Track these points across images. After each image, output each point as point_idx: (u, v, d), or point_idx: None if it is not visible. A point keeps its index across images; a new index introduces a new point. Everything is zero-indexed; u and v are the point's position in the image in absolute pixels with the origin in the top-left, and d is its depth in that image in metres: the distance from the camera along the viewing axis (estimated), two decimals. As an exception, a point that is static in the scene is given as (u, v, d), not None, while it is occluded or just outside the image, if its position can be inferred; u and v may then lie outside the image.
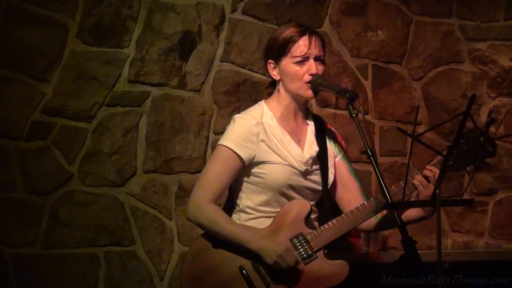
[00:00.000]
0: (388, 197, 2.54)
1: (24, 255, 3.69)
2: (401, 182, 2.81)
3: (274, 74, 2.86)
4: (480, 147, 2.75)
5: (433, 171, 2.79)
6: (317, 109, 4.24)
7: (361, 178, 3.08)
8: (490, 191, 4.60)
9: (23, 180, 3.71)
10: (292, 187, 2.82)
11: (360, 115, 2.62)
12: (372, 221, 2.88)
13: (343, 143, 3.02)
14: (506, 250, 4.43)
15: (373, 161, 2.58)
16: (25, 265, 3.69)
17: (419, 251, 2.52)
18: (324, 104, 4.32)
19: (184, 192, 3.95)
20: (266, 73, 2.92)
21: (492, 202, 4.61)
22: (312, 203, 2.86)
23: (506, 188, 4.60)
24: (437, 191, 2.51)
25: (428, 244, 4.35)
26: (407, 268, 2.53)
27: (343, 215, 2.82)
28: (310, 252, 2.76)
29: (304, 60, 2.79)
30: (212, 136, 4.03)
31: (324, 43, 2.87)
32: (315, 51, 2.80)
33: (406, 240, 2.51)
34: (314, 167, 2.86)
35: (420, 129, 4.39)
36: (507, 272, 3.87)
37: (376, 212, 2.82)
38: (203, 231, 2.84)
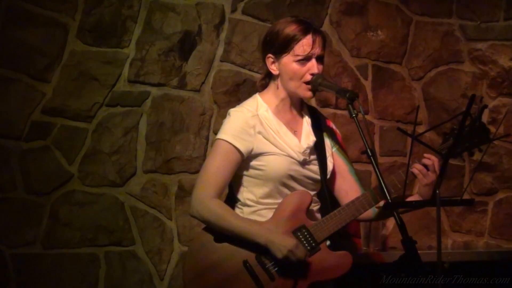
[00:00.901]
0: (388, 197, 2.54)
1: (24, 255, 3.69)
2: (400, 171, 2.83)
3: (273, 69, 2.83)
4: (474, 133, 2.76)
5: (431, 159, 2.80)
6: (317, 109, 4.23)
7: (361, 178, 3.07)
8: (490, 191, 4.60)
9: (23, 180, 3.71)
10: (292, 177, 2.80)
11: (360, 115, 2.62)
12: (370, 211, 2.88)
13: (339, 135, 3.01)
14: (506, 250, 4.42)
15: (373, 161, 2.58)
16: (25, 265, 3.69)
17: (419, 251, 2.52)
18: (324, 104, 4.32)
19: (184, 192, 3.95)
20: (264, 65, 2.87)
21: (492, 202, 4.61)
22: (312, 193, 2.85)
23: (506, 188, 4.60)
24: (437, 191, 2.51)
25: (428, 244, 4.34)
26: (407, 268, 2.53)
27: (344, 205, 2.82)
28: (313, 244, 2.75)
29: (306, 59, 2.78)
30: (212, 136, 4.03)
31: (325, 42, 2.84)
32: (317, 50, 2.78)
33: (406, 240, 2.51)
34: (312, 157, 2.86)
35: (420, 129, 4.39)
36: (507, 272, 3.87)
37: (376, 202, 2.82)
38: (203, 227, 2.82)
